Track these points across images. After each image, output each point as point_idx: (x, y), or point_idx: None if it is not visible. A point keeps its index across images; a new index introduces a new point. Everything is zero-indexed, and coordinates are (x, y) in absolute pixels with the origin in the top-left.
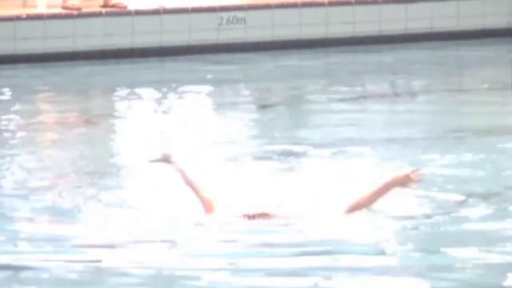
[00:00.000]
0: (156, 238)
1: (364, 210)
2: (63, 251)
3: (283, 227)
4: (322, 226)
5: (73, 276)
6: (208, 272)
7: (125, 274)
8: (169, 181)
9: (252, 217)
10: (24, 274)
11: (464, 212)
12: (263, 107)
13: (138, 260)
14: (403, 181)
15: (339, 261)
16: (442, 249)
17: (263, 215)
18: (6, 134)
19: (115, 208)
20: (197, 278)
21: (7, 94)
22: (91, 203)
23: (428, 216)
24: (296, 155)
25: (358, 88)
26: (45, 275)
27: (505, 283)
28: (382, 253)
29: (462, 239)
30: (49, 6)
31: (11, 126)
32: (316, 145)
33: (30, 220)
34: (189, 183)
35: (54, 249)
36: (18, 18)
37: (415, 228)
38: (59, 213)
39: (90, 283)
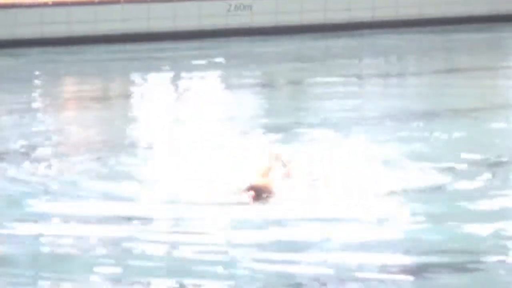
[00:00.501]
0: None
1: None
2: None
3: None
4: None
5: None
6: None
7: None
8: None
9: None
10: None
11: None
12: (266, 86)
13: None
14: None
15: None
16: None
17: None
18: (38, 107)
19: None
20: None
21: (36, 76)
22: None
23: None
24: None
25: (355, 69)
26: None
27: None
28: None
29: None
30: None
31: (40, 103)
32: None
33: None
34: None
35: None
36: (44, 5)
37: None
38: None
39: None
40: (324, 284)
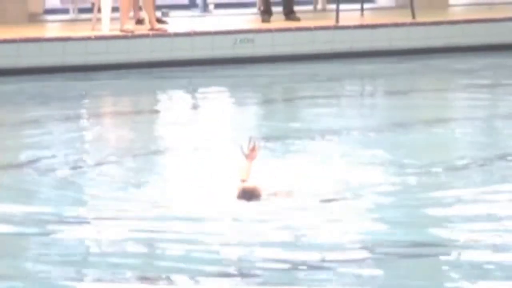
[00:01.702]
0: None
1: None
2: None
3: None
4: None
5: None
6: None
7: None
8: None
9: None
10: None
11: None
12: (265, 103)
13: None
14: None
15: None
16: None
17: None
18: (84, 124)
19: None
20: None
21: (81, 96)
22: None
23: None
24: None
25: (336, 91)
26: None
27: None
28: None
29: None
30: (111, 30)
31: (84, 118)
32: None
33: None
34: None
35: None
36: (88, 38)
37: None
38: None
39: None
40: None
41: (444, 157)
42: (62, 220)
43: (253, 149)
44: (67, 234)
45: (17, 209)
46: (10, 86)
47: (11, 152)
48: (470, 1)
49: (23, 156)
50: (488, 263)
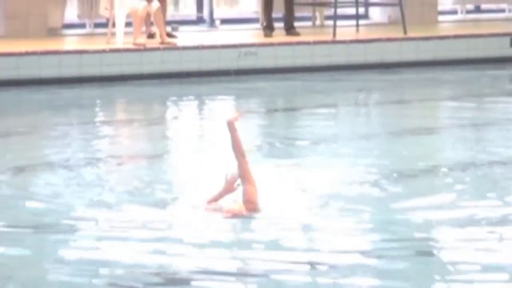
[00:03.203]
0: None
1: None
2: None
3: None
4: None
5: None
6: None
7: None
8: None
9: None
10: None
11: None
12: (267, 112)
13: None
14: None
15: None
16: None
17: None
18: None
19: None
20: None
21: (96, 104)
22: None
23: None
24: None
25: (333, 101)
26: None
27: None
28: None
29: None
30: (124, 43)
31: (98, 125)
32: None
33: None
34: (238, 149)
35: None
36: (103, 51)
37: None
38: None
39: None
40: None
41: (434, 162)
42: (74, 221)
43: (230, 183)
44: (80, 234)
45: (30, 210)
46: (32, 95)
47: (31, 155)
48: (457, 18)
49: (40, 159)
50: (479, 265)
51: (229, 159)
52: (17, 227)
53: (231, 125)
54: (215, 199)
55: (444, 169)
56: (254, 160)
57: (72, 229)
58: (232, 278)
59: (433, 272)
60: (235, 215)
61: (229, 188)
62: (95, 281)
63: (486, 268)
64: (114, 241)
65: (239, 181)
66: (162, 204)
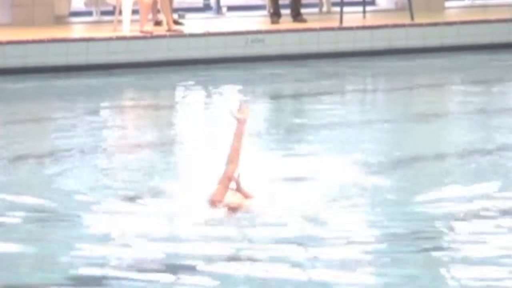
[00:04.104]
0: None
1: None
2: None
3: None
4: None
5: None
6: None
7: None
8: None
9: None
10: None
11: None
12: (274, 98)
13: None
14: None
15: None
16: None
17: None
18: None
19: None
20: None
21: (103, 92)
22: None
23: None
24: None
25: (340, 87)
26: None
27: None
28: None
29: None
30: (131, 31)
31: (106, 112)
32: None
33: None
34: (235, 151)
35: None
36: (110, 39)
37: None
38: None
39: None
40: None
41: (441, 150)
42: (76, 210)
43: (242, 112)
44: (89, 221)
45: (36, 199)
46: (39, 83)
47: (37, 143)
48: (465, 4)
49: (46, 147)
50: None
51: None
52: (27, 216)
53: (240, 126)
54: (220, 199)
55: (452, 156)
56: (260, 148)
57: (76, 219)
58: (234, 268)
59: (439, 265)
60: (234, 209)
61: (243, 119)
62: (99, 270)
63: (493, 260)
64: (117, 231)
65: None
66: (167, 194)
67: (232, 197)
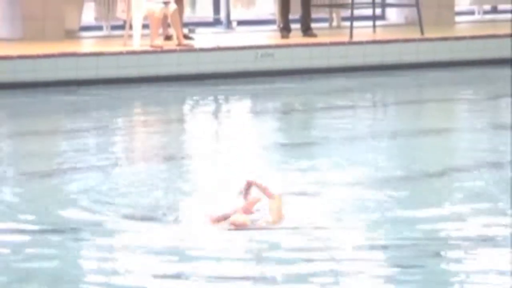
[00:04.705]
0: None
1: None
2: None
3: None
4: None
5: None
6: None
7: None
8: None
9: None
10: None
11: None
12: (284, 113)
13: None
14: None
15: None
16: None
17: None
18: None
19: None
20: None
21: (113, 106)
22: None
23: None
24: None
25: (350, 102)
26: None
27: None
28: None
29: None
30: (141, 45)
31: (116, 127)
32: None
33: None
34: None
35: None
36: (120, 53)
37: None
38: None
39: None
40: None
41: (450, 164)
42: (92, 223)
43: (251, 205)
44: (99, 235)
45: (44, 213)
46: (49, 97)
47: (48, 159)
48: (474, 19)
49: (56, 162)
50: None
51: (244, 161)
52: (40, 229)
53: (246, 188)
54: (224, 218)
55: (461, 171)
56: (270, 162)
57: (85, 232)
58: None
59: (447, 280)
60: (239, 227)
61: (246, 210)
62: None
63: (498, 273)
64: (125, 246)
65: (257, 206)
66: (176, 209)
67: (237, 216)
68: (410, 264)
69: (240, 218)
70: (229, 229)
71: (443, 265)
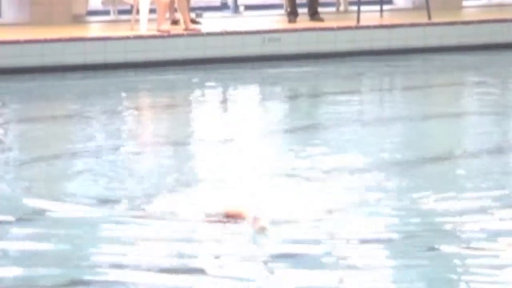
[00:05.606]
0: None
1: None
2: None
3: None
4: None
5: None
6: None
7: None
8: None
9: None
10: None
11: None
12: (290, 97)
13: None
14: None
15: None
16: None
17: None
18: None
19: None
20: None
21: (121, 91)
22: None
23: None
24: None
25: (357, 86)
26: None
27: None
28: None
29: None
30: (148, 30)
31: (123, 111)
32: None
33: None
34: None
35: None
36: (127, 37)
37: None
38: None
39: None
40: None
41: (458, 149)
42: (103, 207)
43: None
44: (103, 222)
45: (49, 199)
46: (56, 82)
47: (56, 143)
48: (482, 3)
49: (65, 146)
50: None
51: (250, 146)
52: (41, 217)
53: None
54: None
55: (469, 155)
56: (276, 147)
57: (88, 217)
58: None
59: (448, 263)
60: (234, 218)
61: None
62: (111, 272)
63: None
64: (130, 234)
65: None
66: (182, 196)
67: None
68: (418, 249)
69: (235, 209)
70: (226, 221)
71: (452, 250)
